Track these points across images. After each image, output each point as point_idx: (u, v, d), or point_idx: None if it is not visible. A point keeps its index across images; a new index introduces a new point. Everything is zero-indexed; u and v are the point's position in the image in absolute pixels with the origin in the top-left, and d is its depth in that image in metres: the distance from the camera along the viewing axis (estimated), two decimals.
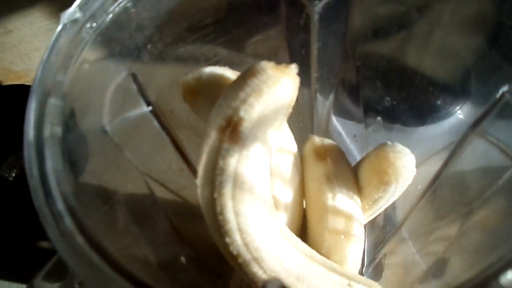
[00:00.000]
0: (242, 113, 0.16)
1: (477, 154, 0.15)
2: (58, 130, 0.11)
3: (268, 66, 0.16)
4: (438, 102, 0.18)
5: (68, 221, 0.09)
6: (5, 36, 0.49)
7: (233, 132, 0.16)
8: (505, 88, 0.13)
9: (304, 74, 0.20)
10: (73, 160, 0.12)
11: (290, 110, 0.17)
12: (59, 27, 0.13)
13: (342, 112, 0.24)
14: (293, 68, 0.16)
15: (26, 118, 0.11)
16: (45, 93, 0.12)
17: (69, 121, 0.12)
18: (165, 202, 0.19)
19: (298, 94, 0.20)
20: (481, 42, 0.14)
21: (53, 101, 0.12)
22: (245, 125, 0.16)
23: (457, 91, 0.17)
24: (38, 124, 0.11)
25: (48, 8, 0.49)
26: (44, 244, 0.41)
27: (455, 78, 0.16)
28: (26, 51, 0.51)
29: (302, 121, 0.24)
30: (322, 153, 0.22)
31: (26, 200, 0.32)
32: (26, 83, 0.47)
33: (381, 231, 0.26)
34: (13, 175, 0.43)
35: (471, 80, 0.15)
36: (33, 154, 0.10)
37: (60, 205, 0.10)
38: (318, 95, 0.22)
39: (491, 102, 0.14)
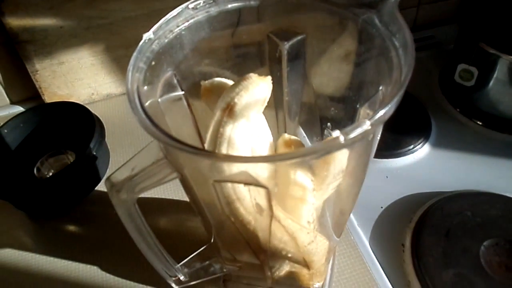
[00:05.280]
0: (236, 100, 0.26)
1: None
2: (143, 90, 0.22)
3: (254, 75, 0.27)
4: (357, 106, 0.29)
5: (153, 125, 0.20)
6: (57, 66, 0.61)
7: (230, 111, 0.26)
8: (381, 88, 0.24)
9: (279, 89, 0.32)
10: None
11: (266, 103, 0.28)
12: (142, 41, 0.25)
13: (305, 122, 0.35)
14: (268, 78, 0.27)
15: (127, 83, 0.22)
16: (135, 71, 0.23)
17: (146, 90, 0.23)
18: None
19: (277, 105, 0.31)
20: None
21: (136, 76, 0.23)
22: (237, 107, 0.26)
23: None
24: (130, 86, 0.22)
25: (93, 47, 0.61)
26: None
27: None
28: (71, 79, 0.63)
29: (278, 124, 0.35)
30: (289, 144, 0.32)
31: (55, 192, 0.43)
32: None
33: None
34: (50, 174, 0.54)
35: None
36: (135, 100, 0.21)
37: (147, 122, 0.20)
38: (290, 104, 0.33)
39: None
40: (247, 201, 0.27)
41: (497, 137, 0.56)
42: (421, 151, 0.56)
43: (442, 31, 0.74)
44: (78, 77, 0.63)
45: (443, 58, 0.68)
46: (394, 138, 0.57)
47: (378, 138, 0.26)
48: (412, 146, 0.56)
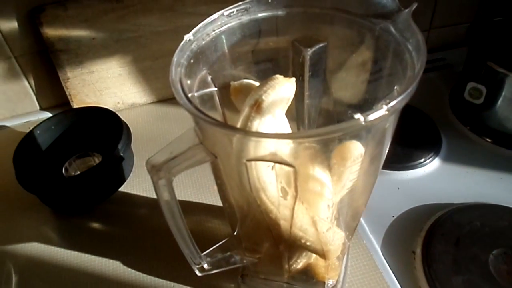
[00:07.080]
0: (263, 97, 0.29)
1: None
2: (185, 81, 0.25)
3: (280, 76, 0.30)
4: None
5: (193, 106, 0.23)
6: (87, 75, 0.65)
7: (258, 107, 0.29)
8: (396, 87, 0.27)
9: (300, 93, 0.35)
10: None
11: (290, 102, 0.31)
12: (183, 41, 0.28)
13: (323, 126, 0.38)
14: (293, 79, 0.30)
15: (171, 75, 0.25)
16: (177, 66, 0.26)
17: (188, 82, 0.26)
18: None
19: (298, 107, 0.34)
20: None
21: (179, 70, 0.26)
22: (265, 104, 0.29)
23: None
24: (174, 77, 0.25)
25: (122, 59, 0.65)
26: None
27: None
28: (99, 88, 0.67)
29: (300, 125, 0.37)
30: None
31: (81, 189, 0.45)
32: None
33: None
34: (77, 174, 0.57)
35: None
36: (178, 88, 0.24)
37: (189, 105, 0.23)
38: (310, 107, 0.36)
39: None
40: (271, 189, 0.29)
41: (505, 154, 0.58)
42: (431, 165, 0.58)
43: (453, 54, 0.77)
44: (106, 86, 0.67)
45: (454, 78, 0.71)
46: (406, 152, 0.59)
47: (391, 136, 0.29)
48: (423, 160, 0.58)
